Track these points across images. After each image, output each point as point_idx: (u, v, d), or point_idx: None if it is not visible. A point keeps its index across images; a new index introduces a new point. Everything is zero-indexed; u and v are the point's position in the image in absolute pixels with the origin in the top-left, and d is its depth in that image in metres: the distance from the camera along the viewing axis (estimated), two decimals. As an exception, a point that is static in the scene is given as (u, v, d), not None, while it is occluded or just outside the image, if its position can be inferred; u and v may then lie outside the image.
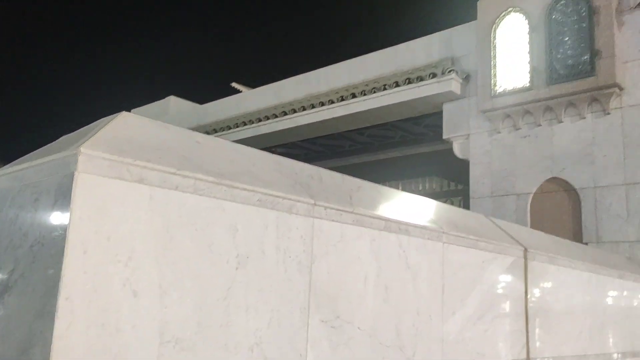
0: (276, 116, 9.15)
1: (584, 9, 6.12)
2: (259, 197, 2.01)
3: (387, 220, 2.62)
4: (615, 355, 4.58)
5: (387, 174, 9.88)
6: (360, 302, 2.40)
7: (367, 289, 2.45)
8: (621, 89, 5.95)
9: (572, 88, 6.13)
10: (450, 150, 7.55)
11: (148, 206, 1.63)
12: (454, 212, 3.46)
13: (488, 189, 6.92)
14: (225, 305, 1.83)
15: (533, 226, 6.41)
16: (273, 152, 10.14)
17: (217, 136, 9.94)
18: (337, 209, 2.35)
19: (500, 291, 3.34)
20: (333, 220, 2.33)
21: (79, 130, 1.92)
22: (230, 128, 9.90)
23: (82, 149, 1.48)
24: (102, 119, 1.83)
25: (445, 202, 8.64)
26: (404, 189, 9.18)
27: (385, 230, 2.60)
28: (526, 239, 3.92)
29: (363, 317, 2.39)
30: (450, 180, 8.81)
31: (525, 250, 3.65)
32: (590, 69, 5.98)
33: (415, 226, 2.80)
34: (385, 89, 7.77)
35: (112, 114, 1.84)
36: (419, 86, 7.41)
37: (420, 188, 8.94)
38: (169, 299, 1.66)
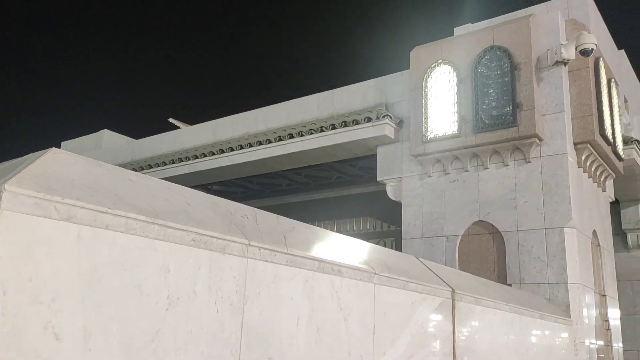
0: (213, 154, 9.10)
1: (506, 64, 6.57)
2: (192, 236, 2.00)
3: (320, 261, 2.65)
4: (537, 394, 4.75)
5: (323, 214, 9.98)
6: (292, 343, 2.40)
7: (300, 329, 2.45)
8: (540, 139, 6.37)
9: (496, 137, 6.51)
10: (384, 192, 7.75)
11: (76, 245, 1.59)
12: (386, 253, 3.55)
13: (419, 231, 7.12)
14: (153, 348, 1.79)
15: (461, 267, 6.64)
16: (209, 190, 10.00)
17: (152, 172, 9.74)
18: (271, 250, 2.37)
19: (429, 331, 3.43)
20: (267, 261, 2.34)
21: (5, 164, 1.86)
22: (165, 164, 9.73)
23: (6, 185, 1.44)
24: (31, 154, 1.78)
25: (378, 242, 8.81)
26: (338, 229, 9.28)
27: (318, 271, 2.63)
28: (454, 280, 4.06)
29: (294, 358, 2.39)
30: (384, 221, 9.01)
31: (453, 291, 3.78)
32: (512, 120, 6.38)
33: (348, 267, 2.85)
34: (322, 130, 7.93)
35: (44, 145, 1.81)
36: (354, 129, 7.63)
37: (354, 228, 9.08)
38: (94, 343, 1.60)
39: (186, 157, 9.33)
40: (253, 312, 2.21)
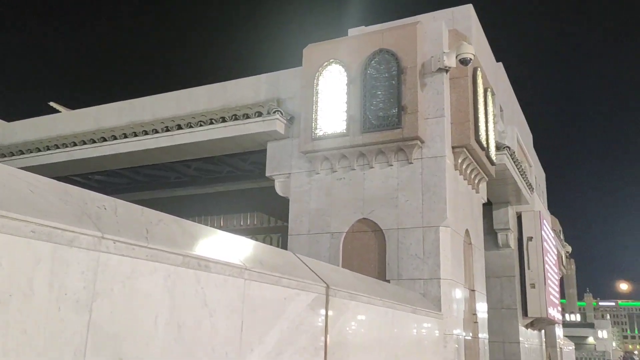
0: (95, 142, 8.57)
1: (393, 68, 6.81)
2: (32, 227, 1.83)
3: (185, 255, 2.56)
4: (406, 385, 4.95)
5: (212, 208, 9.77)
6: (148, 342, 2.28)
7: (158, 327, 2.35)
8: (422, 142, 6.68)
9: (381, 137, 6.73)
10: (273, 187, 7.73)
11: None
12: (261, 249, 3.52)
13: (306, 227, 7.19)
14: (-27, 350, 1.61)
15: (344, 263, 6.79)
16: (90, 180, 9.36)
17: (25, 159, 8.99)
18: (129, 243, 2.24)
19: (301, 327, 3.44)
20: (123, 255, 2.21)
21: None
22: (40, 150, 9.01)
23: None
24: None
25: (265, 238, 8.78)
26: (226, 224, 9.14)
27: (183, 266, 2.54)
28: (330, 276, 4.11)
29: (151, 357, 2.28)
30: (272, 217, 9.00)
31: (328, 287, 3.83)
32: (397, 122, 6.63)
33: (217, 262, 2.78)
34: (212, 123, 7.75)
35: None
36: (244, 123, 7.53)
37: (242, 223, 8.98)
38: None
39: (64, 144, 8.71)
40: (103, 309, 2.07)
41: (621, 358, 72.46)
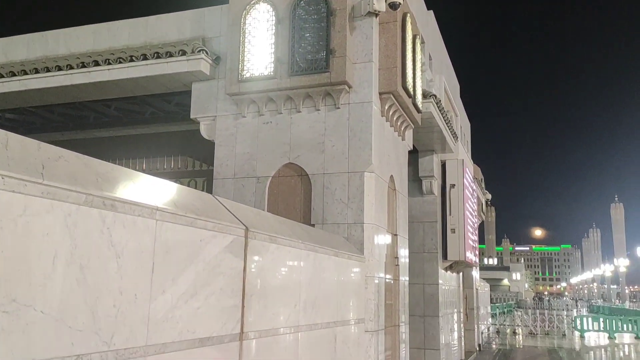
0: (2, 76, 7.92)
1: (323, 9, 6.64)
2: None
3: (88, 194, 2.41)
4: (326, 324, 5.09)
5: (134, 151, 9.39)
6: (45, 284, 2.16)
7: (57, 268, 2.22)
8: (350, 87, 6.63)
9: (309, 81, 6.62)
10: (199, 130, 7.50)
11: None
12: (177, 190, 3.40)
13: (231, 171, 7.06)
14: None
15: (270, 208, 6.77)
16: (1, 118, 8.71)
17: None
18: (21, 179, 2.07)
19: (218, 269, 3.40)
20: (14, 192, 2.05)
21: None
22: (-60, 84, 8.23)
23: None
24: None
25: (189, 182, 8.59)
26: (148, 167, 8.85)
27: (85, 205, 2.40)
28: (250, 219, 4.07)
29: (49, 299, 2.17)
30: (197, 161, 8.79)
31: (247, 229, 3.79)
32: (325, 66, 6.52)
33: (125, 202, 2.65)
34: (132, 60, 7.33)
35: None
36: (167, 62, 7.17)
37: (166, 167, 8.72)
38: None
39: (-34, 78, 8.00)
40: (-9, 249, 1.92)
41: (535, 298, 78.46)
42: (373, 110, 6.59)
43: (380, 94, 6.81)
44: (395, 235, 7.52)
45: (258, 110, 7.01)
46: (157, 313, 2.80)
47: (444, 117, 9.58)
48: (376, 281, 6.39)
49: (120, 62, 7.35)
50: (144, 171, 7.10)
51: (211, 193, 6.42)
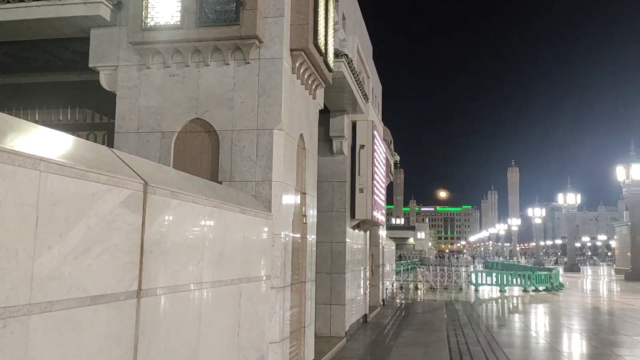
0: None
1: (234, -43, 6.35)
2: None
3: (-43, 140, 2.18)
4: (231, 281, 5.06)
5: (27, 101, 8.67)
6: None
7: None
8: (260, 41, 6.45)
9: (218, 33, 6.36)
10: (98, 80, 7.03)
11: None
12: (68, 141, 3.16)
13: (134, 125, 6.72)
14: None
15: (176, 165, 6.55)
16: None
17: None
18: None
19: (113, 224, 3.23)
20: None
21: None
22: None
23: None
24: None
25: (88, 135, 8.10)
26: (42, 119, 8.22)
27: (-47, 153, 2.16)
28: (150, 173, 3.90)
29: None
30: (97, 113, 8.27)
31: (146, 184, 3.63)
32: (235, 18, 6.29)
33: (3, 151, 2.42)
34: (22, 0, 6.67)
35: None
36: (62, 4, 6.59)
37: (62, 118, 8.13)
38: None
39: None
40: None
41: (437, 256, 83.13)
42: (284, 67, 6.49)
43: (291, 50, 6.70)
44: (304, 194, 7.57)
45: (164, 61, 6.68)
46: (42, 270, 2.63)
47: (355, 78, 9.65)
48: (283, 239, 6.43)
49: (8, 2, 6.67)
50: (37, 122, 6.59)
51: (112, 147, 6.10)
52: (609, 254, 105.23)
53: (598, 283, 37.21)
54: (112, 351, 3.18)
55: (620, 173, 40.09)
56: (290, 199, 6.81)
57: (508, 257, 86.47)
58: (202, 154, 6.59)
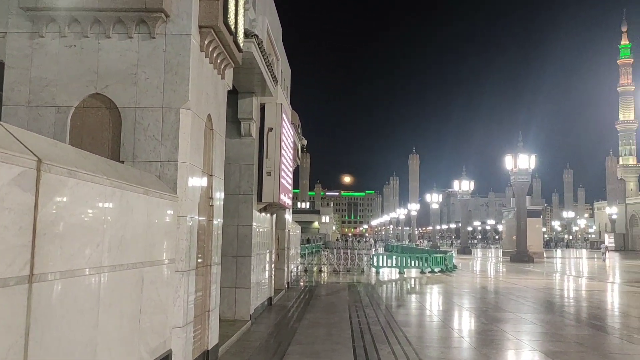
0: None
1: None
2: None
3: None
4: (133, 265, 4.86)
5: None
6: None
7: None
8: (167, 15, 6.17)
9: (121, 4, 6.00)
10: (-16, 48, 6.40)
11: None
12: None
13: (25, 98, 6.20)
14: None
15: (73, 142, 6.14)
16: None
17: None
18: None
19: (1, 204, 2.98)
20: None
21: None
22: None
23: None
24: None
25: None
26: None
27: None
28: (44, 150, 3.62)
29: None
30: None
31: (40, 161, 3.37)
32: (140, -12, 5.96)
33: None
34: None
35: None
36: (-60, -41, 5.92)
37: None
38: None
39: None
40: None
41: (340, 239, 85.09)
42: (192, 44, 6.26)
43: (200, 27, 6.48)
44: (211, 175, 7.41)
45: (59, 30, 6.21)
46: None
47: (265, 59, 9.54)
48: (189, 222, 6.26)
49: None
50: None
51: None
52: (497, 237, 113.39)
53: (487, 264, 39.99)
54: (0, 340, 2.95)
55: (508, 162, 43.16)
56: (197, 181, 6.65)
57: (409, 241, 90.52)
58: (102, 131, 6.24)
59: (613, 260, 47.56)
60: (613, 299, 18.47)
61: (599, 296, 19.06)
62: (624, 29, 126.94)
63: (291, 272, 20.05)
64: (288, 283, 18.27)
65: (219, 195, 7.78)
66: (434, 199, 71.62)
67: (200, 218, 6.87)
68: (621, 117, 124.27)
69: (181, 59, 6.21)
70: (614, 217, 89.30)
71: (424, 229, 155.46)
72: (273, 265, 14.35)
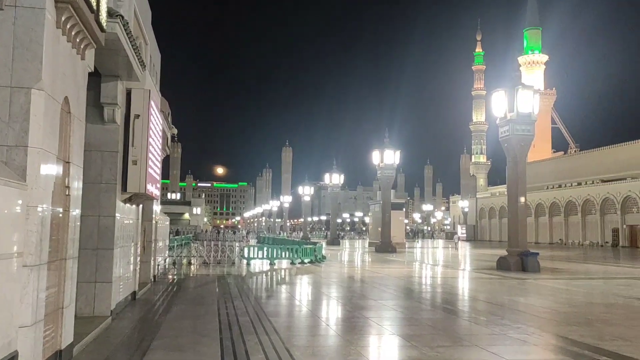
0: None
1: None
2: None
3: None
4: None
5: None
6: None
7: None
8: (18, -13, 5.61)
9: (-39, -33, 5.35)
10: None
11: None
12: None
13: None
14: None
15: None
16: None
17: None
18: None
19: None
20: None
21: None
22: None
23: None
24: None
25: None
26: None
27: None
28: None
29: None
30: None
31: None
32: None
33: None
34: None
35: None
36: None
37: None
38: None
39: None
40: None
41: (209, 230, 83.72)
42: (46, 19, 5.75)
43: (56, 2, 5.97)
44: (68, 163, 6.89)
45: None
46: None
47: (131, 42, 9.05)
48: (40, 212, 5.77)
49: None
50: None
51: None
52: (365, 229, 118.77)
53: (354, 255, 41.77)
54: None
55: (375, 157, 45.33)
56: (51, 168, 6.14)
57: (281, 232, 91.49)
58: None
59: (464, 250, 52.10)
60: (464, 285, 20.24)
61: (452, 282, 20.80)
62: (479, 37, 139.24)
63: (158, 265, 19.35)
64: (154, 276, 17.61)
65: (76, 184, 7.26)
66: (306, 191, 73.11)
67: (55, 208, 6.37)
68: (474, 118, 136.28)
69: (34, 34, 5.68)
70: (466, 210, 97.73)
71: (295, 221, 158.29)
72: (138, 259, 13.73)
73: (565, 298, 15.64)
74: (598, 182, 71.62)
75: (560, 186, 79.05)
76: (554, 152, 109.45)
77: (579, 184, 75.86)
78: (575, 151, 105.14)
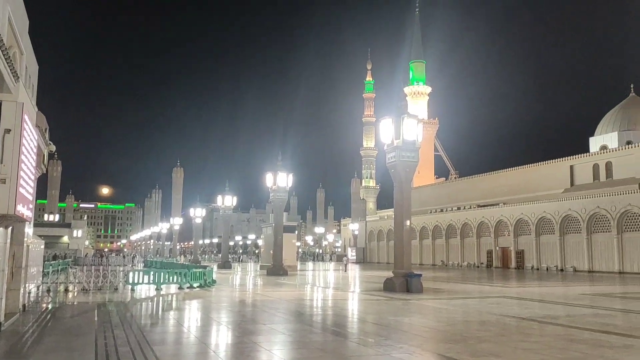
0: None
1: None
2: None
3: None
4: None
5: None
6: None
7: None
8: None
9: None
10: None
11: None
12: None
13: None
14: None
15: None
16: None
17: None
18: None
19: None
20: None
21: None
22: None
23: None
24: None
25: None
26: None
27: None
28: None
29: None
30: None
31: None
32: None
33: None
34: None
35: None
36: None
37: None
38: None
39: None
40: None
41: (93, 254, 78.65)
42: None
43: None
44: None
45: None
46: None
47: (4, 52, 8.36)
48: None
49: None
50: None
51: None
52: (257, 251, 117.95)
53: (246, 278, 41.22)
54: None
55: (269, 179, 45.37)
56: None
57: (169, 256, 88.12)
58: None
59: (354, 272, 53.41)
60: (352, 307, 20.67)
61: (341, 304, 21.16)
62: (369, 66, 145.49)
63: (29, 293, 17.75)
64: (24, 305, 16.12)
65: None
66: (198, 213, 71.35)
67: None
68: (365, 144, 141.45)
69: None
70: (356, 232, 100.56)
71: (186, 243, 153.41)
72: (5, 287, 12.49)
73: (444, 317, 16.49)
74: (475, 207, 76.81)
75: (442, 210, 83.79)
76: (437, 178, 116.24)
77: (459, 208, 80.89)
78: (455, 177, 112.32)
